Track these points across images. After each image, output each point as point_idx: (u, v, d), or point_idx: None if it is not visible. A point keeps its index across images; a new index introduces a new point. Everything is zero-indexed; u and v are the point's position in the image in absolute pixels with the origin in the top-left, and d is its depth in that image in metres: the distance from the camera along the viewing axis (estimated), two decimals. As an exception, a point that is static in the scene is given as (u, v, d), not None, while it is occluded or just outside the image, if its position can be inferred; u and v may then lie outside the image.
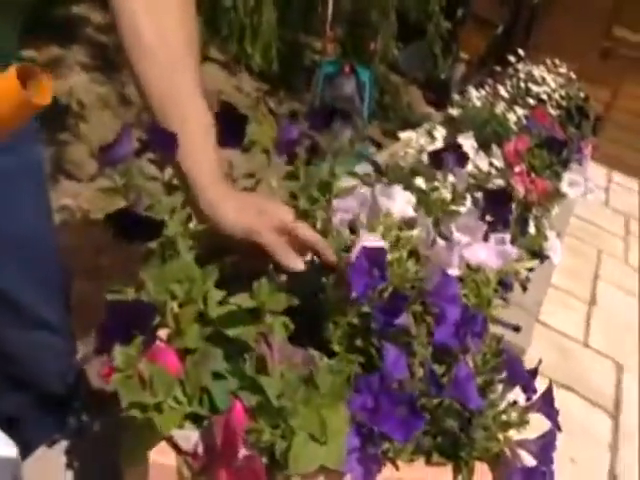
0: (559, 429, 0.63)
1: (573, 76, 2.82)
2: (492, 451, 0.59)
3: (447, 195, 0.85)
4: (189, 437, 0.50)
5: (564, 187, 1.63)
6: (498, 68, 2.79)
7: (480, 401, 0.59)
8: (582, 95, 2.82)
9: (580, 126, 2.54)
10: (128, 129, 0.67)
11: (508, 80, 2.57)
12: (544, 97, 2.55)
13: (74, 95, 3.23)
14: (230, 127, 0.80)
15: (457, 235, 0.86)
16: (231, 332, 0.58)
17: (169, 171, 0.73)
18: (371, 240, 0.66)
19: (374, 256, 0.60)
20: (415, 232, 0.77)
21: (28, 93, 0.40)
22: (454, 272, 0.67)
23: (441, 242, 0.75)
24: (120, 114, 3.19)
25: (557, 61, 2.81)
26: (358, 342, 0.70)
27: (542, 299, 1.45)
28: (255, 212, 0.66)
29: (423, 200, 0.85)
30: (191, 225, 0.72)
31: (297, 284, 0.69)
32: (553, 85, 2.65)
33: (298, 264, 0.62)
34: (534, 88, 2.55)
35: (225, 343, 0.59)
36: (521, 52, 2.83)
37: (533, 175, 1.74)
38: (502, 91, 2.17)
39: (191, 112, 0.72)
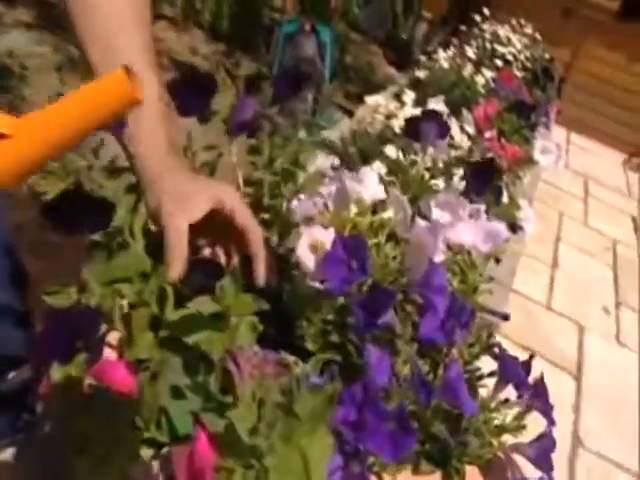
0: (553, 424, 0.58)
1: (538, 37, 2.77)
2: (485, 457, 0.54)
3: (424, 170, 0.77)
4: (147, 470, 0.43)
5: (536, 155, 1.58)
6: (463, 28, 2.71)
7: (473, 405, 0.54)
8: (547, 57, 2.78)
9: (545, 88, 2.51)
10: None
11: (474, 41, 2.49)
12: (510, 58, 2.49)
13: (15, 56, 2.97)
14: (193, 94, 0.70)
15: (437, 213, 0.80)
16: (191, 339, 0.50)
17: (113, 151, 0.63)
18: (320, 232, 0.58)
19: (353, 247, 0.53)
20: (390, 213, 0.70)
21: (134, 91, 0.42)
22: (438, 257, 0.61)
23: (421, 223, 0.68)
24: (67, 79, 2.96)
25: (522, 21, 2.75)
26: (334, 338, 0.63)
27: (515, 269, 1.42)
28: (180, 203, 0.57)
29: (398, 175, 0.78)
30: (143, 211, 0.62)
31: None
32: (519, 46, 2.59)
33: (173, 273, 0.54)
34: (500, 49, 2.48)
35: (184, 351, 0.51)
36: (486, 11, 2.74)
37: (503, 140, 1.69)
38: (469, 52, 2.09)
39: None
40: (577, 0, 4.40)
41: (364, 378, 0.52)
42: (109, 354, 0.54)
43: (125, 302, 0.53)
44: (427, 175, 0.77)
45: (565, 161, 3.60)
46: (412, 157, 0.78)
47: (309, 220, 0.60)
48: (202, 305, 0.48)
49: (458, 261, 0.65)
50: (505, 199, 1.41)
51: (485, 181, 0.71)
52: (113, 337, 0.55)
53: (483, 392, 0.62)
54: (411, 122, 0.84)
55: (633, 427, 2.09)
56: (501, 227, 0.65)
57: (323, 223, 0.61)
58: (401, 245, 0.67)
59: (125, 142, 0.63)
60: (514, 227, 1.33)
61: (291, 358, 0.55)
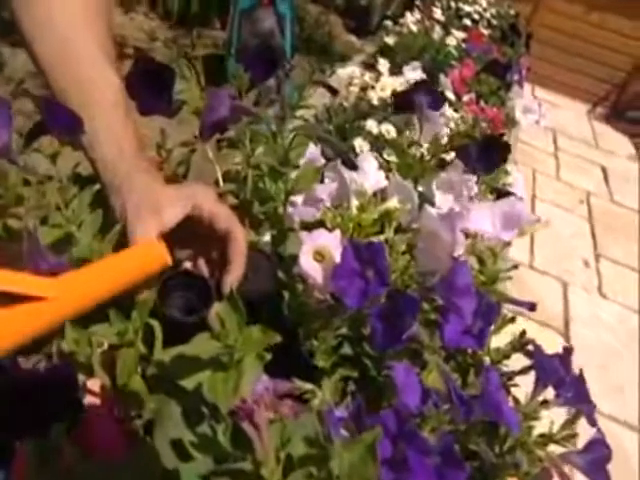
0: (594, 425, 0.52)
1: (502, -8, 2.69)
2: (532, 472, 0.48)
3: (424, 149, 0.70)
4: None
5: (517, 115, 1.52)
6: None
7: (516, 418, 0.47)
8: (512, 13, 2.71)
9: (514, 45, 2.44)
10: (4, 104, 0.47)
11: (438, 2, 2.40)
12: (476, 17, 2.41)
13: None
14: (151, 88, 0.61)
15: (439, 196, 0.72)
16: (189, 382, 0.42)
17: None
18: (326, 236, 0.50)
19: (367, 254, 0.45)
20: (394, 203, 0.62)
21: (165, 255, 0.47)
22: (458, 250, 0.54)
23: (431, 211, 0.61)
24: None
25: (485, -24, 2.66)
26: (347, 350, 0.56)
27: (508, 239, 1.36)
28: (150, 209, 0.51)
29: (397, 158, 0.70)
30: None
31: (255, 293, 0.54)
32: (484, 3, 2.51)
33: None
34: (465, 7, 2.40)
35: (182, 397, 0.43)
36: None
37: (482, 103, 1.62)
38: (437, 13, 2.00)
39: (92, 84, 0.57)
40: (534, -48, 4.33)
41: (394, 402, 0.45)
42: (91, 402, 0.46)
43: (105, 345, 0.44)
44: (428, 154, 0.69)
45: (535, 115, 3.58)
46: (408, 135, 0.70)
47: (309, 226, 0.52)
48: (200, 346, 0.40)
49: (476, 250, 0.58)
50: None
51: (494, 159, 0.64)
52: (93, 384, 0.47)
53: (517, 393, 0.56)
54: (401, 95, 0.76)
55: (622, 379, 2.11)
56: (520, 206, 0.58)
57: (324, 223, 0.54)
58: (410, 237, 0.60)
59: (86, 146, 0.55)
60: (502, 193, 1.27)
61: (307, 386, 0.48)
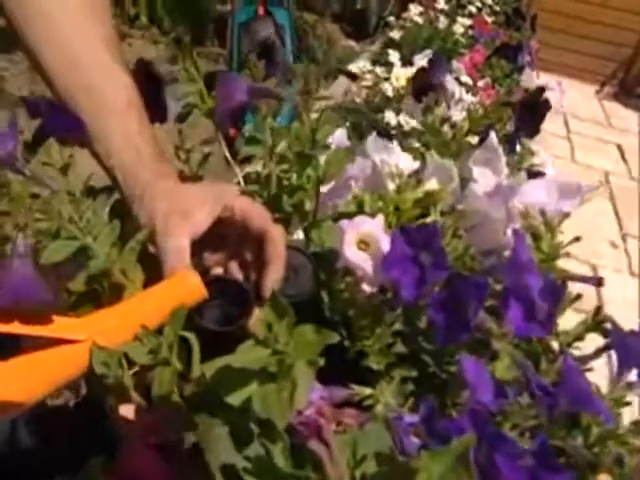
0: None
1: (501, -23, 2.64)
2: (631, 466, 0.42)
3: (458, 126, 0.65)
4: None
5: (536, 95, 1.46)
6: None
7: (605, 407, 0.41)
8: (514, -4, 2.66)
9: (520, 28, 2.39)
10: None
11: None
12: (479, 5, 2.37)
13: None
14: (145, 96, 0.58)
15: (477, 173, 0.67)
16: (235, 399, 0.37)
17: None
18: (369, 222, 0.45)
19: (420, 237, 0.40)
20: (434, 184, 0.57)
21: (201, 287, 0.44)
22: (514, 225, 0.49)
23: (476, 188, 0.56)
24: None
25: (483, -37, 2.61)
26: (401, 348, 0.50)
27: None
28: (178, 216, 0.47)
29: (432, 138, 0.65)
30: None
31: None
32: (484, -10, 2.46)
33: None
34: (466, -4, 2.35)
35: (229, 416, 0.38)
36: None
37: (497, 87, 1.56)
38: (441, 3, 1.95)
39: (102, 86, 0.53)
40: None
41: (458, 401, 0.40)
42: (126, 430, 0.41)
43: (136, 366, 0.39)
44: (464, 129, 0.64)
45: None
46: (438, 113, 0.65)
47: (345, 216, 0.46)
48: (246, 355, 0.35)
49: (530, 225, 0.53)
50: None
51: (537, 117, 0.59)
52: (127, 410, 0.42)
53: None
54: (420, 76, 0.71)
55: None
56: (576, 180, 0.52)
57: (361, 211, 0.48)
58: (455, 219, 0.54)
59: (101, 154, 0.51)
60: (534, 175, 1.21)
61: (367, 391, 0.42)
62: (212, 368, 0.38)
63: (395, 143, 0.60)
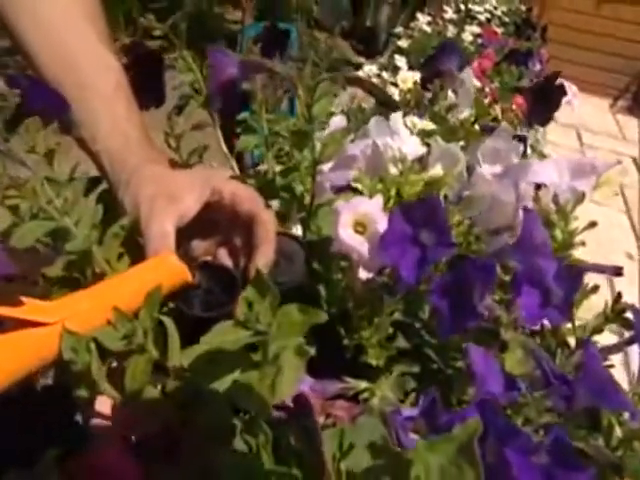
0: None
1: (510, -12, 2.63)
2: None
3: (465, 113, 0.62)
4: None
5: (547, 99, 1.42)
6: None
7: (630, 403, 0.37)
8: (523, 8, 2.65)
9: (530, 38, 2.36)
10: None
11: (447, 6, 2.35)
12: (487, 16, 2.35)
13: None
14: (143, 80, 0.55)
15: (485, 165, 0.63)
16: (214, 389, 0.33)
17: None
18: (366, 203, 0.42)
19: (421, 213, 0.37)
20: (438, 170, 0.53)
21: (184, 271, 0.41)
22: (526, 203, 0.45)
23: (483, 172, 0.52)
24: None
25: (491, -26, 2.61)
26: (401, 342, 0.47)
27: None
28: (164, 200, 0.44)
29: (436, 125, 0.62)
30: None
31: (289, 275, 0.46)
32: (494, 2, 2.45)
33: None
34: (475, 7, 2.34)
35: (210, 408, 0.34)
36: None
37: (507, 93, 1.53)
38: (449, 13, 1.94)
39: (91, 73, 0.52)
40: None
41: (465, 399, 0.36)
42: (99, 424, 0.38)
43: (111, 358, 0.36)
44: (471, 117, 0.61)
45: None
46: (445, 102, 0.62)
47: (344, 195, 0.43)
48: (224, 335, 0.32)
49: (543, 211, 0.49)
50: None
51: (551, 104, 0.56)
52: (103, 403, 0.38)
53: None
54: (426, 63, 0.68)
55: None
56: (591, 156, 0.49)
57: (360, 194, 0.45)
58: (460, 207, 0.51)
59: (87, 138, 0.49)
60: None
61: (362, 384, 0.39)
62: (190, 356, 0.35)
63: (402, 126, 0.56)
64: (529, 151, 1.25)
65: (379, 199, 0.42)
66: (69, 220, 0.41)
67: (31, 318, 0.34)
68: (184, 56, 0.62)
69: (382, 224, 0.40)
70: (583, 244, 0.54)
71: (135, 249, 0.49)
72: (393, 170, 0.50)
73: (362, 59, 4.75)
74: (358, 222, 0.41)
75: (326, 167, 0.46)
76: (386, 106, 0.54)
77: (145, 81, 0.57)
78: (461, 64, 0.66)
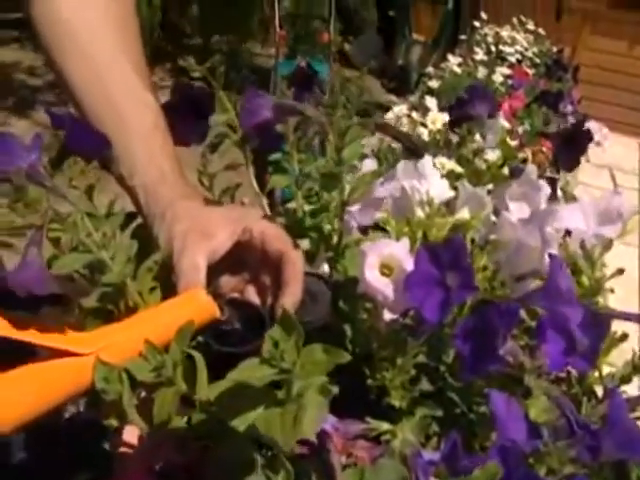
0: None
1: (542, 32, 2.66)
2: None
3: (491, 156, 0.63)
4: None
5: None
6: (463, 37, 2.61)
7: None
8: (555, 49, 2.67)
9: (561, 79, 2.37)
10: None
11: (478, 48, 2.38)
12: (518, 57, 2.38)
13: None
14: (189, 117, 0.58)
15: (513, 207, 0.64)
16: (239, 424, 0.34)
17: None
18: (393, 245, 0.43)
19: (446, 255, 0.37)
20: (465, 213, 0.54)
21: (213, 306, 0.42)
22: (553, 250, 0.45)
23: (509, 217, 0.53)
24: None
25: (523, 18, 2.64)
26: (424, 385, 0.47)
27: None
28: (197, 237, 0.46)
29: (463, 168, 0.63)
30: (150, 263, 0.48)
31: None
32: (524, 44, 2.48)
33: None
34: (506, 49, 2.37)
35: (234, 442, 0.35)
36: (484, 15, 2.65)
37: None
38: (480, 54, 1.97)
39: (129, 110, 0.54)
40: (568, -6, 4.34)
41: (487, 445, 0.36)
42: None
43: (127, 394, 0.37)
44: (499, 160, 0.62)
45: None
46: (473, 145, 0.63)
47: (371, 236, 0.44)
48: (249, 372, 0.33)
49: (570, 257, 0.49)
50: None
51: (578, 148, 0.56)
52: (131, 434, 0.39)
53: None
54: (457, 104, 0.70)
55: None
56: (619, 199, 0.49)
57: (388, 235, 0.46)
58: (486, 251, 0.51)
59: (124, 174, 0.52)
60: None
61: (384, 426, 0.39)
62: (216, 390, 0.36)
63: (431, 166, 0.58)
64: (559, 193, 1.24)
65: (405, 242, 0.43)
66: (106, 254, 0.43)
67: (67, 348, 0.36)
68: (221, 96, 0.65)
69: (408, 266, 0.41)
70: (612, 291, 0.53)
71: (168, 282, 0.50)
72: (420, 213, 0.51)
73: (392, 97, 4.83)
74: (384, 264, 0.42)
75: (354, 207, 0.47)
76: (411, 152, 0.55)
77: (190, 117, 0.59)
78: (490, 109, 0.67)
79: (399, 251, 0.42)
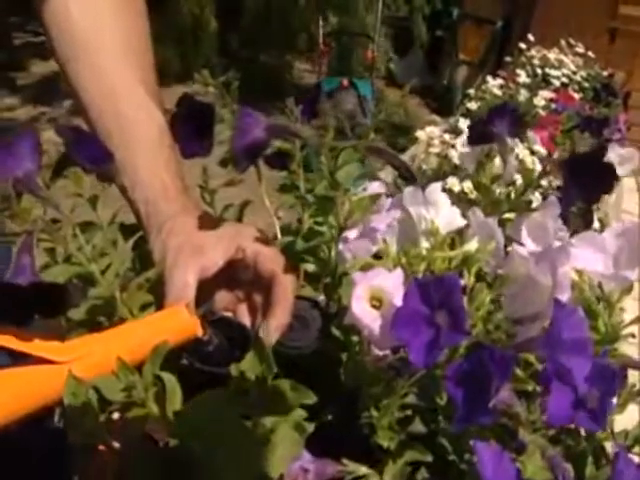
0: None
1: (591, 55, 2.57)
2: None
3: (509, 185, 0.59)
4: None
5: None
6: (508, 59, 2.55)
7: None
8: (605, 74, 2.58)
9: (610, 105, 2.29)
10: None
11: (522, 70, 2.33)
12: (565, 80, 2.31)
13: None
14: (193, 128, 0.57)
15: (528, 242, 0.60)
16: (204, 460, 0.32)
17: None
18: (382, 277, 0.40)
19: (438, 292, 0.35)
20: (474, 245, 0.51)
21: (195, 325, 0.42)
22: (563, 296, 0.42)
23: (521, 251, 0.50)
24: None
25: (572, 41, 2.57)
26: (418, 427, 0.44)
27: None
28: (190, 253, 0.45)
29: (479, 195, 0.60)
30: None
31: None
32: (572, 67, 2.40)
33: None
34: (552, 72, 2.31)
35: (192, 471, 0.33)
36: (531, 37, 2.59)
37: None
38: (522, 77, 1.92)
39: (134, 120, 0.55)
40: (622, 18, 4.21)
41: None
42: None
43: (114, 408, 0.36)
44: (516, 190, 0.59)
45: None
46: (491, 171, 0.60)
47: (365, 265, 0.42)
48: (211, 404, 0.31)
49: (585, 300, 0.45)
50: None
51: (598, 181, 0.52)
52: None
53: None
54: (478, 124, 0.66)
55: None
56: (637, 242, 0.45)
57: (385, 265, 0.44)
58: (495, 287, 0.48)
59: (127, 186, 0.52)
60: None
61: (362, 469, 0.36)
62: (187, 418, 0.35)
63: (440, 193, 0.55)
64: (596, 224, 1.18)
65: (399, 273, 0.40)
66: (95, 267, 0.42)
67: (42, 355, 0.35)
68: (234, 110, 0.65)
69: (398, 301, 0.39)
70: (633, 336, 0.49)
71: (162, 298, 0.50)
72: (425, 244, 0.48)
73: (436, 117, 4.78)
74: (374, 296, 0.40)
75: (351, 233, 0.45)
76: (406, 180, 0.53)
77: (195, 130, 0.59)
78: (514, 129, 0.63)
79: (390, 283, 0.40)
